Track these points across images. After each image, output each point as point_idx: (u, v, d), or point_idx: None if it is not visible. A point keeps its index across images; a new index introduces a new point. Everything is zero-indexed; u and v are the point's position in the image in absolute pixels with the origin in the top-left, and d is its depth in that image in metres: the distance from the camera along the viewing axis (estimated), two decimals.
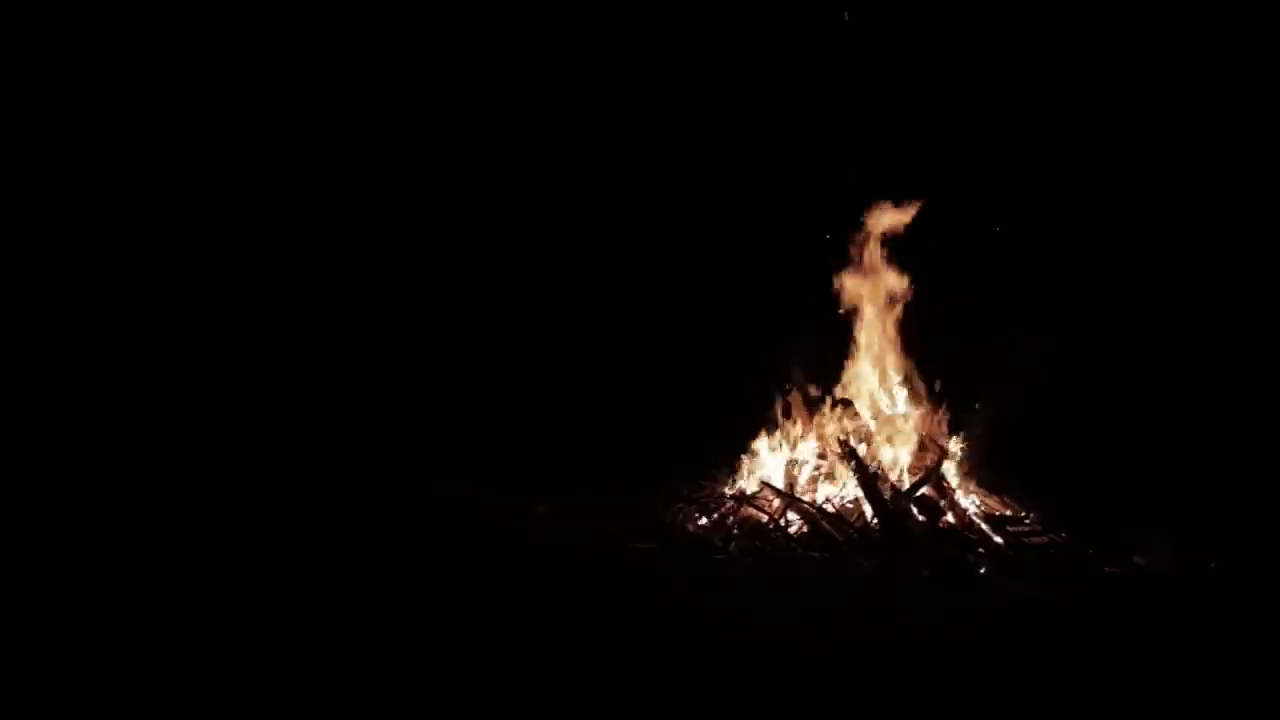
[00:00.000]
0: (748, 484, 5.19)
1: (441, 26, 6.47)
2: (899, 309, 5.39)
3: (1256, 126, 5.89)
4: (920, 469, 4.97)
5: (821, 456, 5.20)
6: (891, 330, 5.41)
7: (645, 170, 6.58)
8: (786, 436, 5.35)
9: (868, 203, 5.48)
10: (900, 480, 4.91)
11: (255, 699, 2.65)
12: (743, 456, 5.38)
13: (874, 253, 5.43)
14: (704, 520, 4.96)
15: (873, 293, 5.43)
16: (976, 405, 5.20)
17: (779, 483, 5.08)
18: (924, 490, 4.74)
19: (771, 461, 5.28)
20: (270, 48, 6.35)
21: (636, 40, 6.42)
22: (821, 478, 5.11)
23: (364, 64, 6.53)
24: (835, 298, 5.50)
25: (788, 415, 5.38)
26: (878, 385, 5.41)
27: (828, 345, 5.52)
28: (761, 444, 5.37)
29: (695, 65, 6.43)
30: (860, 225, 5.47)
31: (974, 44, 5.99)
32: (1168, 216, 6.02)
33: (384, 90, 6.59)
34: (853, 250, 5.48)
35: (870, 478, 4.77)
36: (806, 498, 4.94)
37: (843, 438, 5.11)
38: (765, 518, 4.84)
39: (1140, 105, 5.99)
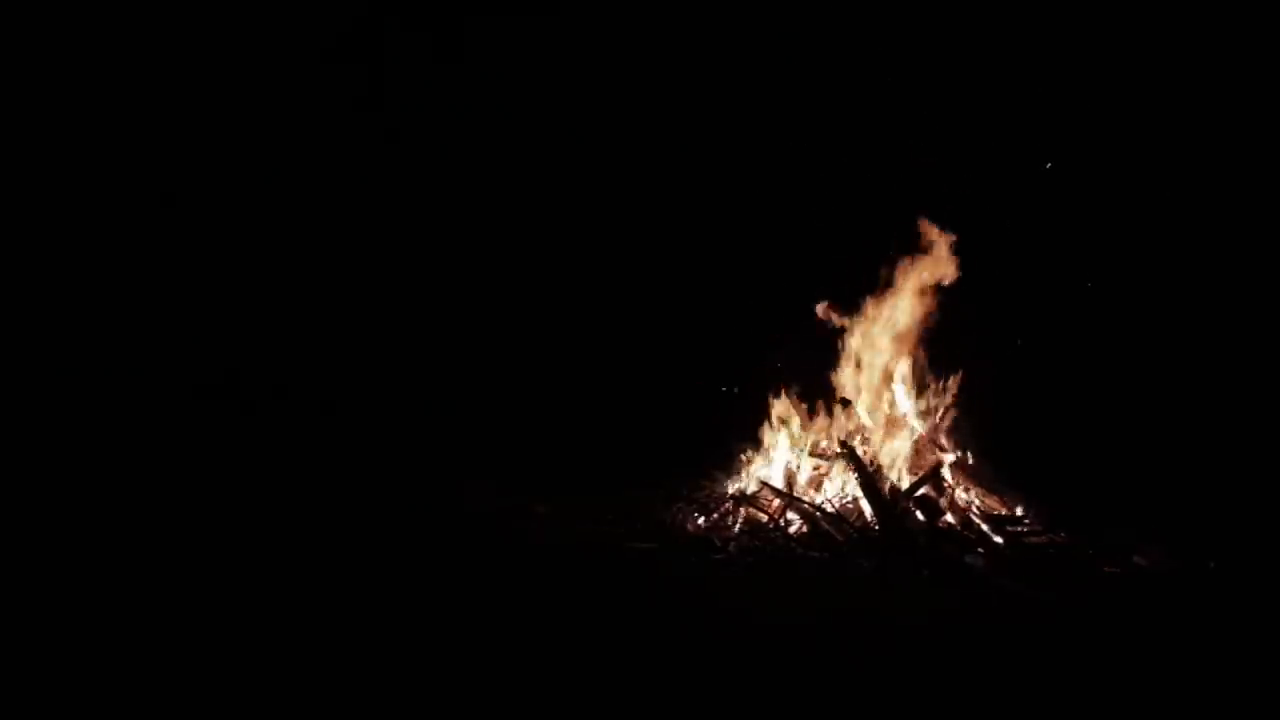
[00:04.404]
0: (747, 484, 5.19)
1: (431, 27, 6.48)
2: (899, 308, 5.40)
3: (1254, 126, 5.90)
4: (920, 469, 4.98)
5: (821, 456, 5.20)
6: (892, 330, 5.41)
7: (642, 171, 6.58)
8: (786, 436, 5.35)
9: (866, 203, 5.49)
10: (900, 480, 4.91)
11: (256, 700, 2.65)
12: (742, 456, 5.39)
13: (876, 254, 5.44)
14: (704, 520, 4.96)
15: (874, 292, 5.44)
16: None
17: (779, 483, 5.08)
18: (923, 490, 4.74)
19: (771, 461, 5.28)
20: (269, 47, 6.35)
21: (626, 42, 6.42)
22: (821, 478, 5.12)
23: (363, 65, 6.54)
24: (836, 298, 5.51)
25: (787, 415, 5.39)
26: (878, 385, 5.41)
27: (827, 345, 5.53)
28: (761, 444, 5.37)
29: (691, 65, 6.44)
30: (860, 227, 5.48)
31: (962, 50, 6.00)
32: (1166, 218, 6.02)
33: (386, 92, 6.60)
34: (855, 253, 5.49)
35: (870, 478, 4.77)
36: (806, 498, 4.94)
37: (843, 438, 5.11)
38: (765, 518, 4.84)
39: (1136, 105, 6.00)
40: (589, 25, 6.40)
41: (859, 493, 4.80)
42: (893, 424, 5.24)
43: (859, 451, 4.97)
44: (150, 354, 6.18)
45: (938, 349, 5.36)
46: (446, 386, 6.53)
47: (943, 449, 5.14)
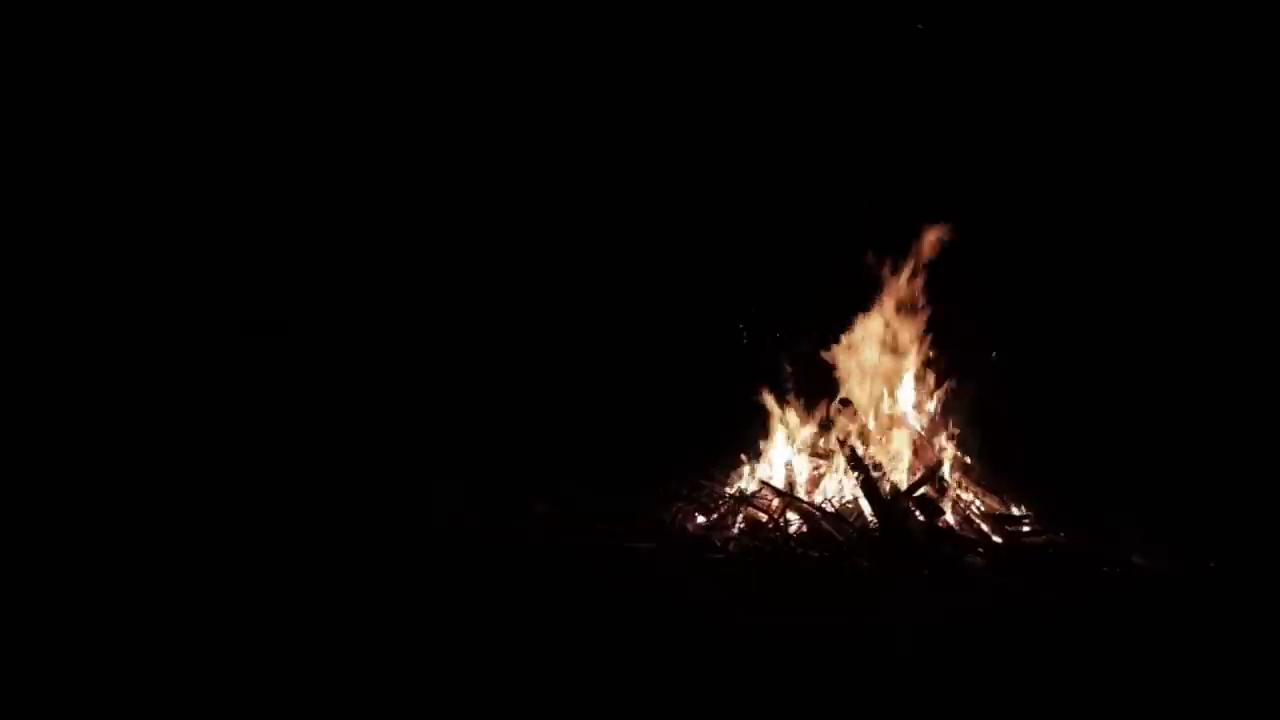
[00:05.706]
0: (747, 484, 5.19)
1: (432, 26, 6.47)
2: (901, 310, 5.39)
3: (1253, 127, 5.90)
4: (920, 468, 4.98)
5: (821, 456, 5.20)
6: (892, 330, 5.41)
7: (639, 169, 6.57)
8: (786, 436, 5.35)
9: (867, 203, 5.49)
10: (900, 480, 4.91)
11: (255, 702, 2.65)
12: (742, 456, 5.39)
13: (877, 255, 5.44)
14: (704, 520, 4.96)
15: (874, 294, 5.44)
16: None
17: (779, 483, 5.08)
18: (923, 490, 4.74)
19: (771, 461, 5.28)
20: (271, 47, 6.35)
21: (629, 39, 6.41)
22: (821, 478, 5.12)
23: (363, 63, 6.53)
24: (836, 297, 5.51)
25: (787, 415, 5.39)
26: (878, 385, 5.40)
27: (827, 344, 5.53)
28: (761, 444, 5.37)
29: (691, 65, 6.43)
30: (860, 227, 5.48)
31: (965, 52, 6.00)
32: (1166, 215, 6.02)
33: (383, 89, 6.59)
34: (854, 253, 5.49)
35: (870, 477, 4.77)
36: (806, 498, 4.94)
37: (843, 437, 5.11)
38: (765, 517, 4.84)
39: (1135, 106, 6.00)
40: (590, 23, 6.39)
41: (859, 493, 4.80)
42: (893, 423, 5.24)
43: (859, 451, 4.96)
44: (141, 348, 6.15)
45: (938, 348, 5.35)
46: (446, 386, 6.53)
47: (942, 448, 5.13)
